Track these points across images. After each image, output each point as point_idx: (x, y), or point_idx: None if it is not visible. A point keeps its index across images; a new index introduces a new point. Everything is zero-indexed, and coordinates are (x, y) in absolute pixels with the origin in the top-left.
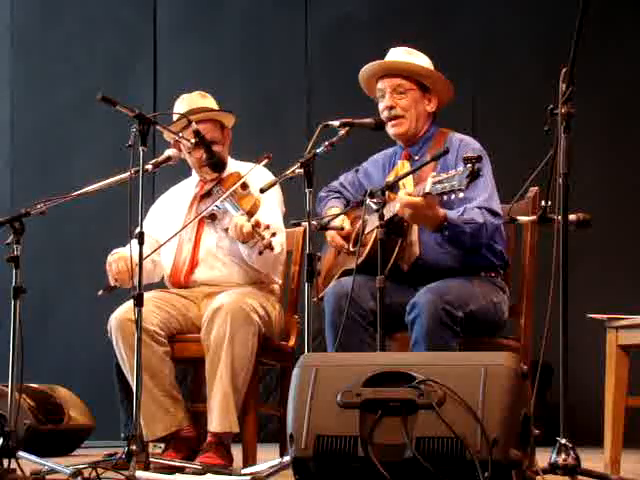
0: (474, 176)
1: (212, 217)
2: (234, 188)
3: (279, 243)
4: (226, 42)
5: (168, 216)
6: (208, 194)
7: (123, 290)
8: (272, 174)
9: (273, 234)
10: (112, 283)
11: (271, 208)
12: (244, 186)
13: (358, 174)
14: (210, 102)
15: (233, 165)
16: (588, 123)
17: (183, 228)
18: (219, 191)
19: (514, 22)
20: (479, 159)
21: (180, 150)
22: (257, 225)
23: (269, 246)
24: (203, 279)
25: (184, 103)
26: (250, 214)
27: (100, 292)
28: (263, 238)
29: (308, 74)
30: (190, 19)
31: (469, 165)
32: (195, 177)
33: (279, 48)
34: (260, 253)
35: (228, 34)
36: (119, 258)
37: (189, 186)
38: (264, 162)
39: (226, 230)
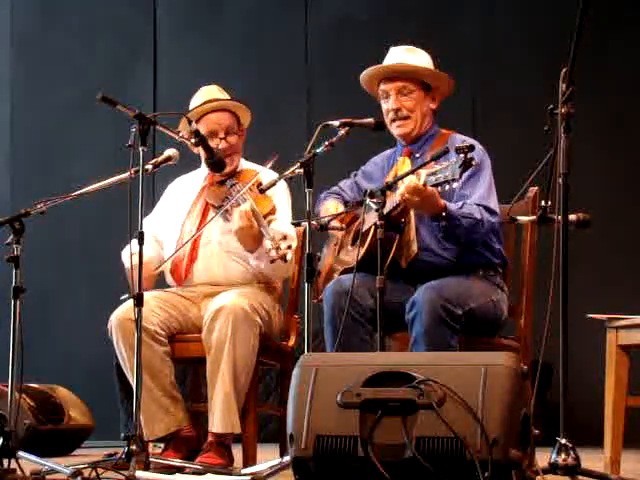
0: (467, 165)
1: (225, 211)
2: (251, 182)
3: (291, 252)
4: (226, 42)
5: (172, 211)
6: (220, 183)
7: (123, 290)
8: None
9: (289, 247)
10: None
11: (286, 216)
12: (260, 190)
13: (356, 178)
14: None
15: (245, 166)
16: (588, 123)
17: (201, 228)
18: (234, 185)
19: (514, 22)
20: (471, 148)
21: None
22: (284, 238)
23: (283, 257)
24: (202, 273)
25: (201, 95)
26: (267, 217)
27: (123, 297)
28: (279, 248)
29: (308, 74)
30: (190, 19)
31: (461, 155)
32: (204, 169)
33: (279, 48)
34: (272, 261)
35: (228, 34)
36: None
37: (197, 178)
38: (274, 160)
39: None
